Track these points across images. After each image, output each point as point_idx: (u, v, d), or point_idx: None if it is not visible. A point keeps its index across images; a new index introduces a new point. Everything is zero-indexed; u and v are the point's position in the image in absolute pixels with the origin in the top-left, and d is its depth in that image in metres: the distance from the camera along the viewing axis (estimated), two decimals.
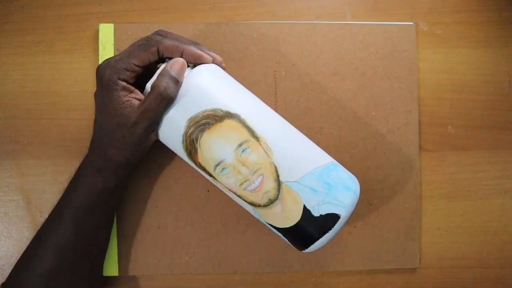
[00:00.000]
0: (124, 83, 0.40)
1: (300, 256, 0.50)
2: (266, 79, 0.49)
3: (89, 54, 0.50)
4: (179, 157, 0.49)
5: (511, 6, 0.52)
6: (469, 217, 0.51)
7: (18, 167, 0.49)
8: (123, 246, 0.49)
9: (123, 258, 0.49)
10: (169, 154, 0.49)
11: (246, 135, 0.39)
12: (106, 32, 0.48)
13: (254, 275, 0.50)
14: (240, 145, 0.39)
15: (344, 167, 0.49)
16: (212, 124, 0.39)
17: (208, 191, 0.49)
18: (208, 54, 0.42)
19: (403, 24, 0.50)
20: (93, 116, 0.44)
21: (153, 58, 0.41)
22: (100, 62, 0.49)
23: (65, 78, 0.50)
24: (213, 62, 0.42)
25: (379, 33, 0.50)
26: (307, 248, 0.40)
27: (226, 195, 0.42)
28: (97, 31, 0.49)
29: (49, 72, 0.49)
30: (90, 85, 0.50)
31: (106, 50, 0.48)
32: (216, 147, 0.39)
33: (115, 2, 0.50)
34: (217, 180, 0.41)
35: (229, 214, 0.49)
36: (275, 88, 0.50)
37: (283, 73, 0.50)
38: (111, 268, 0.49)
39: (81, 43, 0.50)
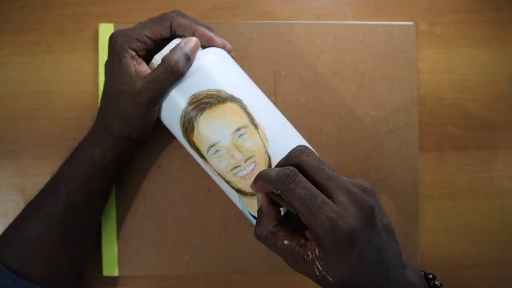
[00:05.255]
0: (133, 53, 0.41)
1: None
2: (266, 79, 0.49)
3: (89, 54, 0.50)
4: (179, 157, 0.49)
5: (511, 6, 0.52)
6: (469, 217, 0.51)
7: (18, 167, 0.49)
8: (123, 246, 0.49)
9: (123, 258, 0.49)
10: (169, 155, 0.49)
11: (246, 120, 0.40)
12: (106, 32, 0.48)
13: (254, 275, 0.50)
14: (238, 129, 0.39)
15: (344, 167, 0.49)
16: (214, 104, 0.39)
17: (208, 191, 0.49)
18: (219, 40, 0.43)
19: (403, 24, 0.50)
20: (93, 116, 0.44)
21: (165, 33, 0.41)
22: (100, 62, 0.49)
23: (65, 78, 0.50)
24: (223, 48, 0.43)
25: (379, 33, 0.50)
26: None
27: (226, 195, 0.42)
28: (97, 31, 0.49)
29: (49, 72, 0.50)
30: (90, 85, 0.50)
31: (106, 50, 0.48)
32: (214, 127, 0.39)
33: (115, 2, 0.50)
34: (207, 162, 0.41)
35: (229, 214, 0.49)
36: (275, 88, 0.50)
37: (283, 73, 0.50)
38: (111, 268, 0.49)
39: (81, 43, 0.50)
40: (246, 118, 0.40)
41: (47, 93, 0.49)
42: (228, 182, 0.41)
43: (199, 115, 0.40)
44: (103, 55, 0.49)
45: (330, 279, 0.33)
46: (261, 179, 0.35)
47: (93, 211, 0.45)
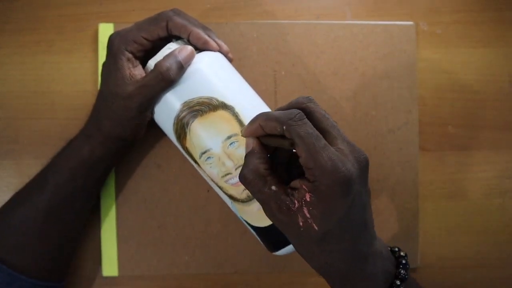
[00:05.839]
0: (130, 55, 0.41)
1: (300, 256, 0.50)
2: (266, 79, 0.49)
3: (89, 54, 0.50)
4: (179, 157, 0.49)
5: (511, 6, 0.52)
6: (469, 217, 0.51)
7: (18, 167, 0.49)
8: (123, 246, 0.49)
9: (123, 258, 0.49)
10: (169, 155, 0.49)
11: (237, 128, 0.39)
12: (106, 32, 0.48)
13: (254, 275, 0.50)
14: (229, 137, 0.39)
15: None
16: (205, 112, 0.39)
17: (208, 191, 0.49)
18: (216, 42, 0.42)
19: (403, 24, 0.50)
20: None
21: (162, 33, 0.41)
22: (99, 62, 0.49)
23: (65, 78, 0.50)
24: (219, 51, 0.43)
25: (379, 33, 0.50)
26: (277, 250, 0.40)
27: None
28: (97, 31, 0.49)
29: (49, 72, 0.50)
30: (90, 85, 0.50)
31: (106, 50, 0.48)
32: (205, 135, 0.39)
33: (115, 2, 0.50)
34: (201, 168, 0.41)
35: (229, 214, 0.49)
36: (275, 88, 0.50)
37: (283, 73, 0.50)
38: (111, 268, 0.49)
39: (81, 43, 0.50)
40: (238, 125, 0.39)
41: (47, 93, 0.49)
42: (220, 188, 0.41)
43: (190, 122, 0.39)
44: (103, 55, 0.48)
45: (316, 227, 0.32)
46: (262, 119, 0.33)
47: (79, 206, 0.45)
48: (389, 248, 0.38)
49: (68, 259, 0.47)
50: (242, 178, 0.34)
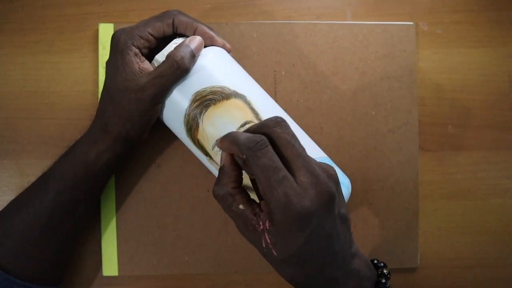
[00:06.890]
0: (136, 50, 0.41)
1: None
2: (266, 79, 0.49)
3: (89, 54, 0.50)
4: (179, 157, 0.49)
5: (511, 6, 0.52)
6: (469, 217, 0.51)
7: (18, 167, 0.49)
8: (123, 246, 0.49)
9: (123, 258, 0.49)
10: (169, 155, 0.49)
11: (250, 116, 0.40)
12: (106, 32, 0.48)
13: (254, 275, 0.50)
14: (243, 124, 0.39)
15: (344, 167, 0.49)
16: (218, 101, 0.39)
17: (208, 191, 0.49)
18: (220, 39, 0.43)
19: (403, 24, 0.50)
20: (93, 117, 0.44)
21: (168, 30, 0.42)
22: (100, 62, 0.49)
23: (65, 78, 0.50)
24: (222, 48, 0.43)
25: (379, 33, 0.50)
26: None
27: None
28: (97, 31, 0.49)
29: (49, 72, 0.50)
30: (90, 85, 0.50)
31: (106, 50, 0.48)
32: (219, 123, 0.39)
33: (115, 2, 0.50)
34: (212, 160, 0.41)
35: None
36: (275, 88, 0.50)
37: (283, 73, 0.50)
38: (111, 268, 0.49)
39: (81, 43, 0.50)
40: (251, 113, 0.40)
41: (47, 93, 0.49)
42: None
43: (203, 112, 0.40)
44: (103, 55, 0.49)
45: (275, 253, 0.33)
46: (228, 140, 0.34)
47: (81, 212, 0.44)
48: (375, 261, 0.39)
49: (66, 263, 0.46)
50: (214, 194, 0.35)
